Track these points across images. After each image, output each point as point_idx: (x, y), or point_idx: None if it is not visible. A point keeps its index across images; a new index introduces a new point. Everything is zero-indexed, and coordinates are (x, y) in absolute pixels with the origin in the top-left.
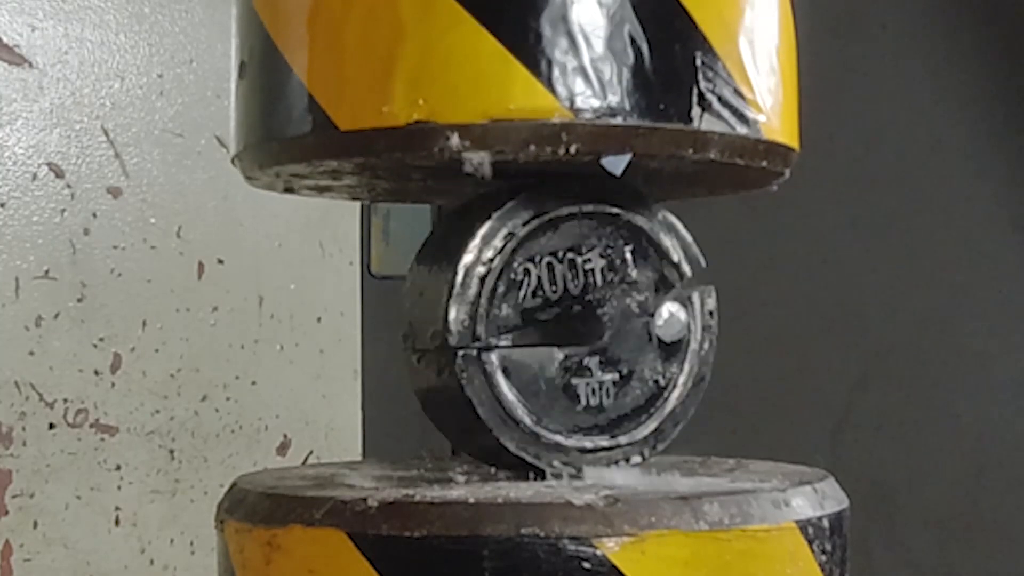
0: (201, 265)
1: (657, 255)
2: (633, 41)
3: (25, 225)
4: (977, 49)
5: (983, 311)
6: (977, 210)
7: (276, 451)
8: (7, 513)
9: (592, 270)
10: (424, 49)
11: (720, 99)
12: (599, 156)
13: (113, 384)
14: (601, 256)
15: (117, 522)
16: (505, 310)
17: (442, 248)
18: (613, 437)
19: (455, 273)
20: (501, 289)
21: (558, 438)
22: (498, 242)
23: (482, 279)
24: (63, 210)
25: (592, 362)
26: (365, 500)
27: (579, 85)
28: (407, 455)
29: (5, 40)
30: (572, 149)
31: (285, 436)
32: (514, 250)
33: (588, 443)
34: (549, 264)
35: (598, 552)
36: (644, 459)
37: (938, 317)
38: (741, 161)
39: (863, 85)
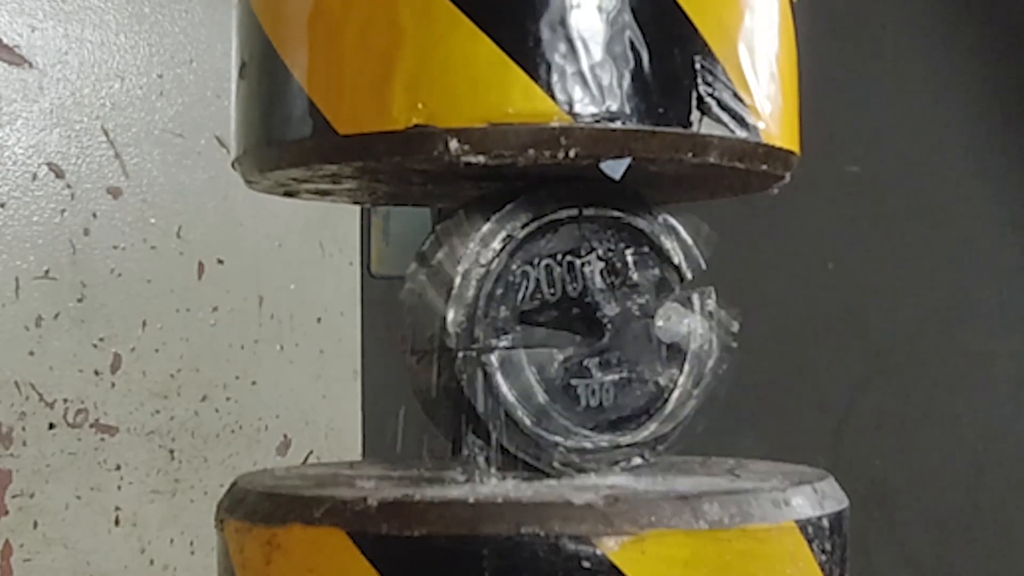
0: (201, 265)
1: (658, 257)
2: (632, 45)
3: (25, 225)
4: (977, 49)
5: (983, 311)
6: (977, 210)
7: (276, 451)
8: (7, 513)
9: (591, 273)
10: (423, 53)
11: (719, 103)
12: (598, 160)
13: (113, 384)
14: (600, 259)
15: (117, 522)
16: (503, 312)
17: (441, 250)
18: (614, 438)
19: (453, 275)
20: (499, 291)
21: (558, 439)
22: (496, 244)
23: (480, 281)
24: (63, 210)
25: (592, 363)
26: (365, 500)
27: (578, 89)
28: (407, 455)
29: (5, 40)
30: (571, 153)
31: (285, 436)
32: (512, 252)
33: (588, 444)
34: (547, 266)
35: (598, 551)
36: (645, 460)
37: (938, 317)
38: (741, 165)
39: (863, 85)
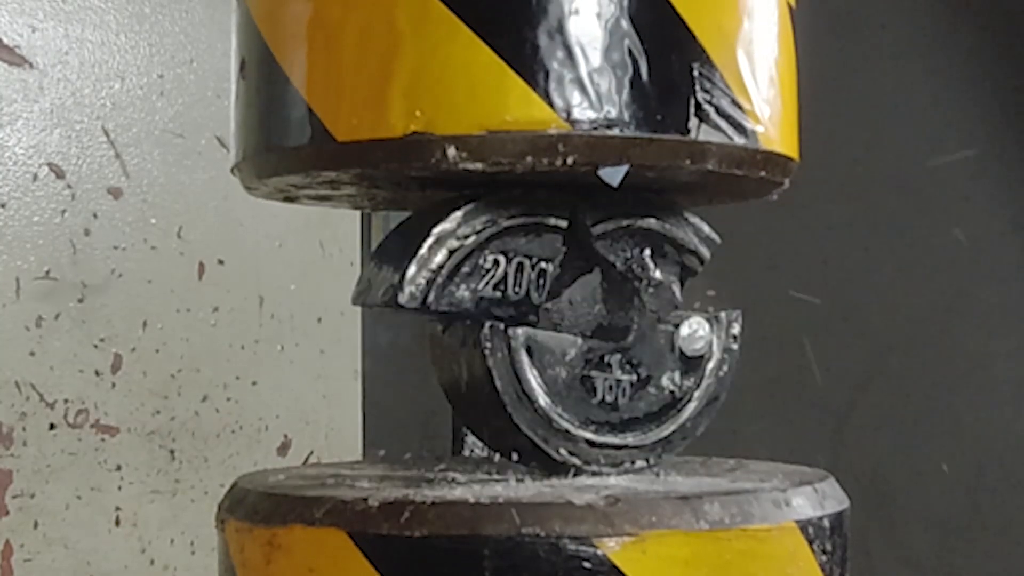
0: (201, 265)
1: (675, 249)
2: (630, 52)
3: (26, 225)
4: (977, 49)
5: (983, 311)
6: (977, 210)
7: (276, 451)
8: (7, 513)
9: (557, 283)
10: (420, 61)
11: (718, 110)
12: (596, 167)
13: (113, 384)
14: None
15: (117, 522)
16: (462, 291)
17: (423, 218)
18: (622, 437)
19: (427, 236)
20: (465, 270)
21: (569, 426)
22: (478, 224)
23: (451, 252)
24: (63, 210)
25: (614, 359)
26: (365, 500)
27: (576, 96)
28: (407, 455)
29: (5, 41)
30: (569, 160)
31: (285, 436)
32: (491, 237)
33: (597, 438)
34: (520, 264)
35: (599, 552)
36: (648, 465)
37: (938, 317)
38: (739, 171)
39: (863, 85)
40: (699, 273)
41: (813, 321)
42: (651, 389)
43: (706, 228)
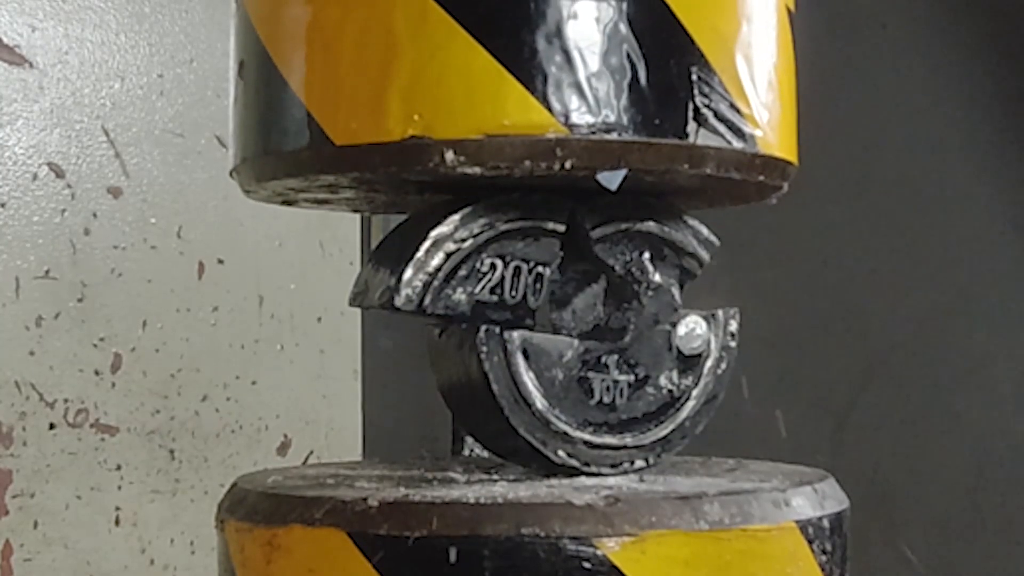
0: (201, 265)
1: (674, 252)
2: (628, 56)
3: (25, 225)
4: (977, 49)
5: (983, 311)
6: (977, 210)
7: (276, 451)
8: (7, 513)
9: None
10: (418, 65)
11: (716, 114)
12: (594, 171)
13: (113, 384)
14: (620, 268)
15: (117, 522)
16: (459, 294)
17: (420, 221)
18: (620, 438)
19: (424, 238)
20: (462, 272)
21: (567, 428)
22: (476, 228)
23: (448, 255)
24: (63, 210)
25: (611, 360)
26: (365, 500)
27: (574, 100)
28: (407, 455)
29: (5, 40)
30: (567, 164)
31: (285, 436)
32: (488, 241)
33: (595, 439)
34: (517, 268)
35: (598, 552)
36: (647, 465)
37: (938, 317)
38: (738, 175)
39: (863, 85)
40: (698, 275)
41: (813, 321)
42: (649, 389)
43: (705, 230)
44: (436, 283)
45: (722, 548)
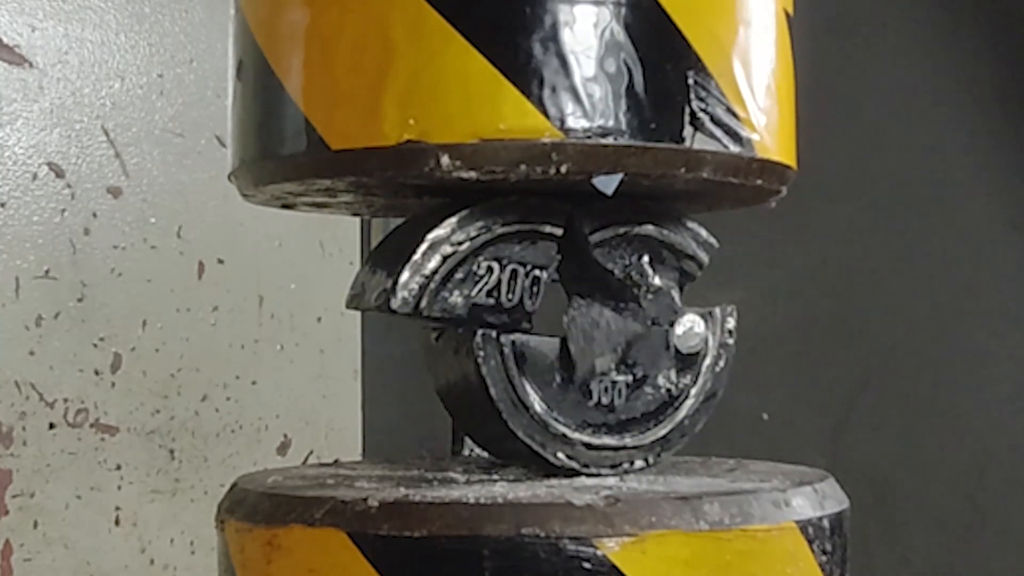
0: (201, 265)
1: (673, 255)
2: (625, 61)
3: (25, 225)
4: (977, 49)
5: (983, 311)
6: (977, 210)
7: (276, 451)
8: (7, 513)
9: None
10: (414, 69)
11: (713, 118)
12: (590, 175)
13: (113, 384)
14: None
15: (117, 522)
16: (455, 297)
17: (417, 224)
18: (620, 438)
19: (421, 241)
20: (459, 275)
21: (566, 430)
22: (472, 231)
23: (445, 258)
24: (63, 210)
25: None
26: (365, 500)
27: (570, 105)
28: (407, 455)
29: (5, 40)
30: (563, 169)
31: (285, 436)
32: (485, 244)
33: (595, 440)
34: (514, 271)
35: (598, 552)
36: (648, 465)
37: (938, 317)
38: (735, 180)
39: (863, 85)
40: (698, 277)
41: (813, 321)
42: (647, 389)
43: (704, 232)
44: (432, 286)
45: (722, 548)
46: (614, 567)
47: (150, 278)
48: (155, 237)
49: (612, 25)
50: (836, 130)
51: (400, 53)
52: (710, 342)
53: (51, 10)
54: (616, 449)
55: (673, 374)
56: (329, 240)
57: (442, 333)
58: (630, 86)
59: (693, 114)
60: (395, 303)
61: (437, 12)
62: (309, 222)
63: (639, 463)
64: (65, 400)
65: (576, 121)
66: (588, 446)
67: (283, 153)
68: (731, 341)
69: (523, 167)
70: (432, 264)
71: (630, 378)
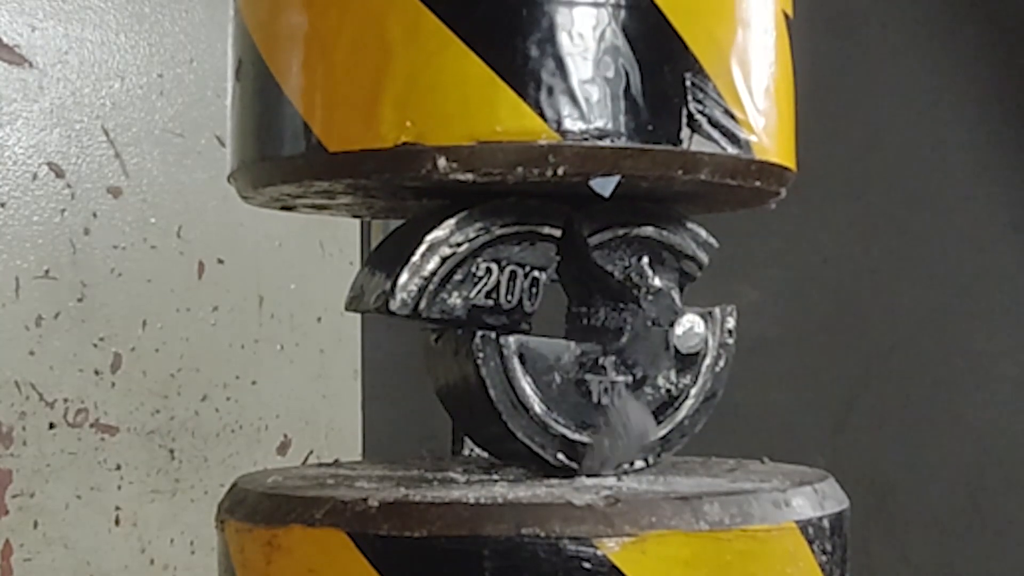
0: (201, 265)
1: (673, 255)
2: (622, 63)
3: (25, 225)
4: (977, 49)
5: (983, 311)
6: (977, 210)
7: (276, 451)
8: (7, 513)
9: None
10: (411, 72)
11: (710, 120)
12: (587, 177)
13: (113, 384)
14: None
15: (117, 522)
16: (454, 299)
17: (416, 226)
18: None
19: (419, 243)
20: (458, 277)
21: (565, 431)
22: (471, 232)
23: (444, 259)
24: (63, 210)
25: (608, 362)
26: (366, 500)
27: (566, 107)
28: (407, 455)
29: (5, 40)
30: (559, 171)
31: (285, 436)
32: (484, 245)
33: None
34: (512, 272)
35: (599, 552)
36: (648, 465)
37: (938, 317)
38: (733, 181)
39: (863, 85)
40: (698, 277)
41: (813, 321)
42: (647, 389)
43: (703, 233)
44: (432, 287)
45: (722, 548)
46: (614, 567)
47: (150, 278)
48: (155, 237)
49: (609, 27)
50: (836, 130)
51: (397, 55)
52: (710, 342)
53: (51, 10)
54: None
55: (673, 374)
56: (329, 240)
57: (441, 334)
58: (627, 88)
59: (690, 116)
60: (394, 305)
61: (434, 15)
62: (309, 222)
63: (639, 463)
64: (65, 400)
65: (573, 123)
66: (587, 447)
67: (281, 155)
68: (731, 341)
69: (520, 169)
70: (431, 266)
71: (629, 379)
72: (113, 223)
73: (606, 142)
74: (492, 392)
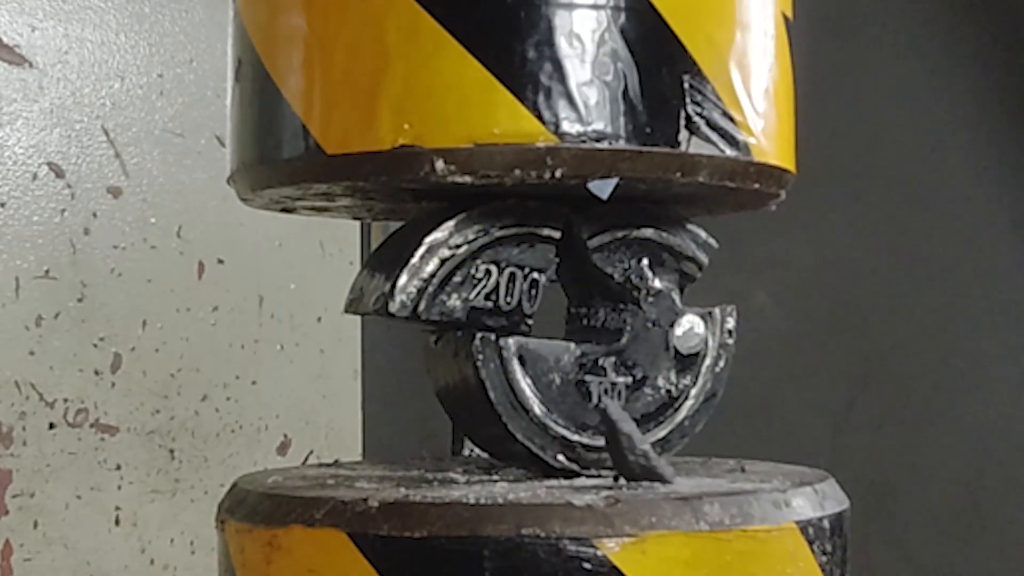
0: (201, 265)
1: (673, 257)
2: (620, 65)
3: (25, 225)
4: (977, 49)
5: (983, 311)
6: (977, 210)
7: (276, 451)
8: (7, 513)
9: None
10: (409, 74)
11: (708, 122)
12: (585, 180)
13: (113, 384)
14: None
15: (117, 522)
16: (454, 301)
17: (415, 228)
18: None
19: (419, 245)
20: (457, 279)
21: (565, 432)
22: (470, 234)
23: (443, 261)
24: (63, 210)
25: (608, 363)
26: (366, 500)
27: (564, 110)
28: (407, 455)
29: (5, 40)
30: (557, 173)
31: (285, 436)
32: (483, 247)
33: (594, 442)
34: (512, 274)
35: (599, 552)
36: None
37: (938, 317)
38: (731, 184)
39: (863, 85)
40: (698, 278)
41: (813, 321)
42: (647, 390)
43: (703, 234)
44: (431, 289)
45: (722, 549)
46: (614, 567)
47: (150, 278)
48: (155, 237)
49: (607, 30)
50: (836, 130)
51: (395, 58)
52: (710, 343)
53: (51, 10)
54: None
55: (673, 375)
56: (329, 240)
57: (441, 336)
58: (625, 91)
59: (689, 118)
60: (393, 307)
61: (432, 17)
62: (309, 222)
63: None
64: (65, 400)
65: (571, 125)
66: (588, 448)
67: (280, 157)
68: (731, 341)
69: (518, 171)
70: (430, 267)
71: (629, 379)
72: (113, 223)
73: (604, 144)
74: (492, 393)
